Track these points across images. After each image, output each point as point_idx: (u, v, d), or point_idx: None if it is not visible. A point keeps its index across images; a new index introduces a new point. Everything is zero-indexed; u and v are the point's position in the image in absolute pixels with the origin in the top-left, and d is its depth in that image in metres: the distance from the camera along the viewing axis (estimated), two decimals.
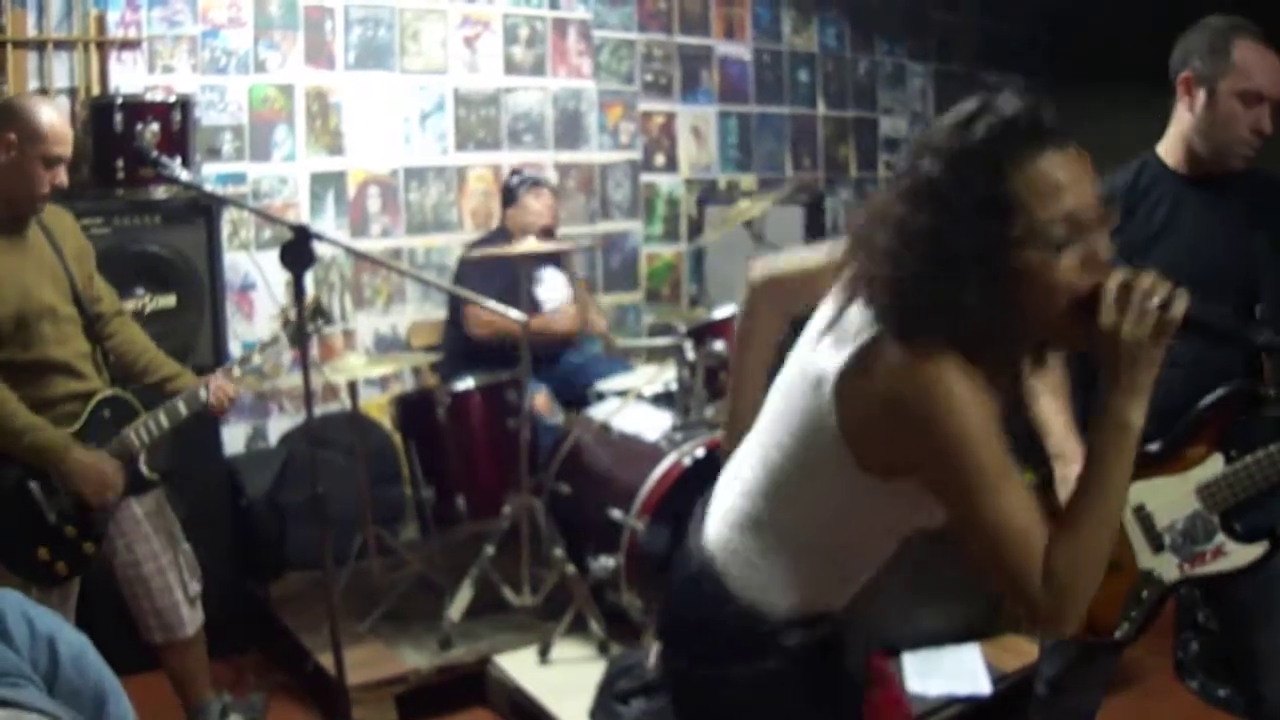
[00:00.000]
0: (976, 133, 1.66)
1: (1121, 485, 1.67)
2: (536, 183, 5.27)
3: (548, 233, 5.13)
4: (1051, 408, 2.95)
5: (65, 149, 3.23)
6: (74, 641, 1.30)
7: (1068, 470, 2.89)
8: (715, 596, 1.96)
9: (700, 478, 4.19)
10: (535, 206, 5.20)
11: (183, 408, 3.47)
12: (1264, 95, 2.73)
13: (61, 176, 3.24)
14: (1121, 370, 1.64)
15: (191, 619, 3.57)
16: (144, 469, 3.47)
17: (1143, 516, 2.87)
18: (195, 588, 3.59)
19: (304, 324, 3.11)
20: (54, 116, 3.22)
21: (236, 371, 3.61)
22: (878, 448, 1.72)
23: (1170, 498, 2.84)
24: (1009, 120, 1.67)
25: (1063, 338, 1.72)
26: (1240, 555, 2.80)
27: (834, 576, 1.96)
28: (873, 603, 2.11)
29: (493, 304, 4.08)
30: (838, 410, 1.73)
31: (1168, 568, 2.87)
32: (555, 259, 5.42)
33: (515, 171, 5.40)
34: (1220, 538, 2.81)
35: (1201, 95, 2.80)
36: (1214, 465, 2.80)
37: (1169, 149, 2.91)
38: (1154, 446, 2.87)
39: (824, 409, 1.75)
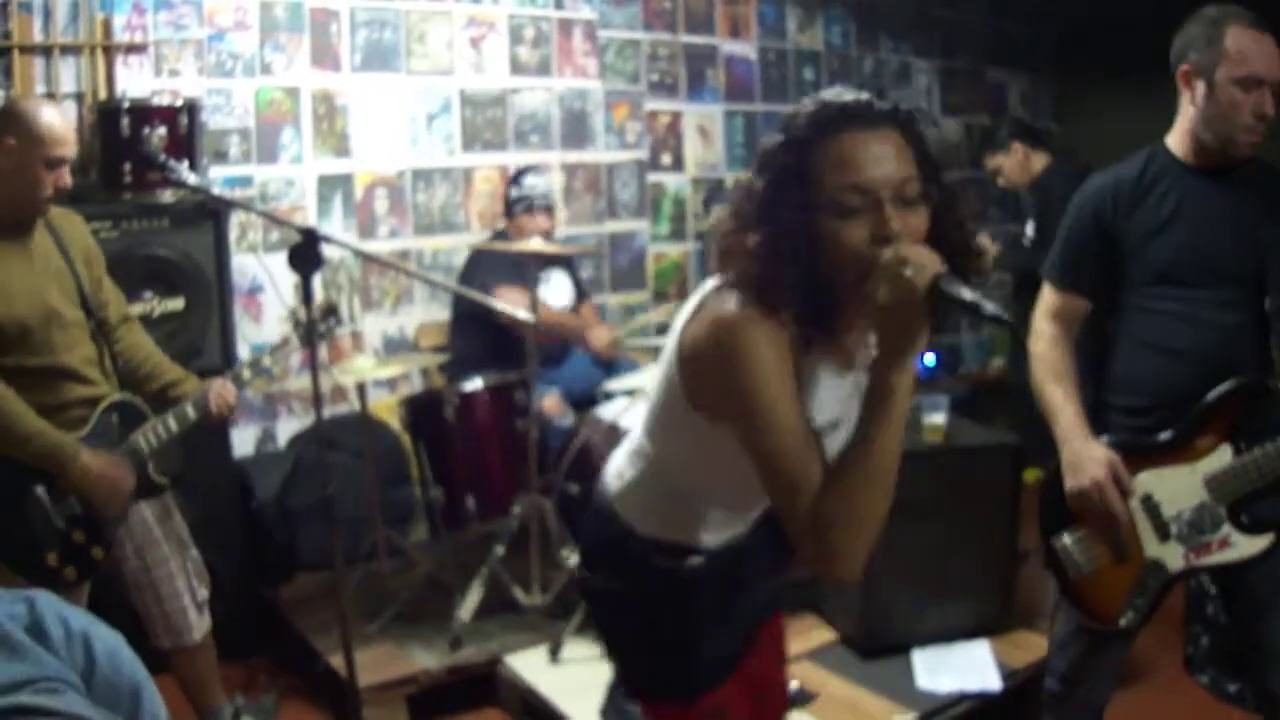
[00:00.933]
0: (799, 116, 1.89)
1: (887, 446, 1.77)
2: (531, 207, 5.24)
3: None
4: (1060, 395, 2.96)
5: (67, 150, 3.21)
6: (108, 638, 1.31)
7: (1067, 455, 2.92)
8: (607, 518, 2.25)
9: None
10: (529, 228, 5.18)
11: (191, 412, 3.47)
12: (1262, 79, 2.74)
13: (65, 178, 3.22)
14: (881, 336, 1.75)
15: (199, 624, 3.57)
16: (153, 473, 3.47)
17: (1150, 505, 2.88)
18: (203, 593, 3.59)
19: (313, 325, 3.11)
20: (54, 118, 3.21)
21: (246, 374, 3.61)
22: (701, 388, 1.95)
23: (1178, 488, 2.85)
24: (824, 104, 1.87)
25: (859, 305, 1.79)
26: (1246, 546, 2.81)
27: (687, 512, 2.16)
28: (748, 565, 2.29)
29: (500, 305, 4.09)
30: (677, 352, 1.98)
31: (1173, 557, 2.88)
32: (561, 262, 5.43)
33: (516, 179, 5.35)
34: (1226, 529, 2.82)
35: (1201, 86, 2.81)
36: (1222, 456, 2.81)
37: (1177, 141, 2.92)
38: (1164, 436, 2.88)
39: (672, 351, 2.01)
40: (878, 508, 1.80)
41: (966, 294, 1.67)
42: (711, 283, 1.97)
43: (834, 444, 1.92)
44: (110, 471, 3.28)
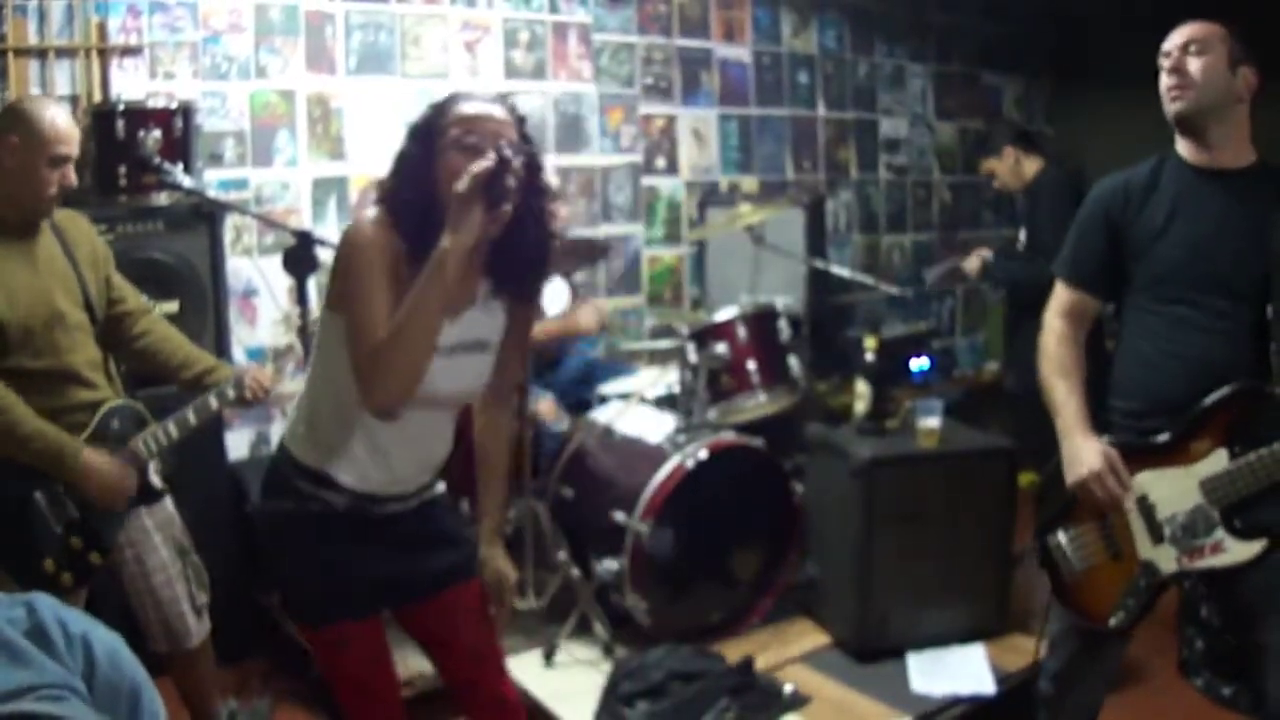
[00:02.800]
0: (443, 97, 2.53)
1: (428, 295, 2.27)
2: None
3: None
4: (1064, 390, 2.99)
5: (70, 148, 3.20)
6: (107, 639, 1.30)
7: (1067, 449, 2.93)
8: (278, 449, 2.66)
9: (703, 480, 4.21)
10: None
11: (193, 418, 3.45)
12: (1168, 52, 2.88)
13: (70, 176, 3.22)
14: (449, 218, 2.29)
15: (198, 630, 3.56)
16: (154, 479, 3.47)
17: (1145, 507, 2.90)
18: (203, 599, 3.58)
19: (307, 328, 3.11)
20: (57, 116, 3.20)
21: (269, 369, 3.59)
22: (332, 281, 2.44)
23: (1173, 490, 2.87)
24: (462, 91, 2.54)
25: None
26: (1238, 552, 2.82)
27: (326, 431, 2.54)
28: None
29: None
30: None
31: (1166, 560, 2.89)
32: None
33: None
34: (1220, 533, 2.83)
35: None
36: (1218, 460, 2.82)
37: (1184, 145, 2.94)
38: (1161, 438, 2.88)
39: None
40: (416, 345, 2.28)
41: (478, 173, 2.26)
42: None
43: (452, 365, 2.48)
44: (113, 469, 3.27)
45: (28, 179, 3.16)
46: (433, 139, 2.43)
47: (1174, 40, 2.86)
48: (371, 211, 2.44)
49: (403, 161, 2.50)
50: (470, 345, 2.54)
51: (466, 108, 2.43)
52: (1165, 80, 2.85)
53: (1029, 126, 8.42)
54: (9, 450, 3.13)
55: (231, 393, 3.47)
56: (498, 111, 2.44)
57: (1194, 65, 2.81)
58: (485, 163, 2.27)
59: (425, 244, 2.31)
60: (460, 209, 2.27)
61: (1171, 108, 2.86)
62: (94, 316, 3.38)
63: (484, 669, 2.88)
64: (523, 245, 2.48)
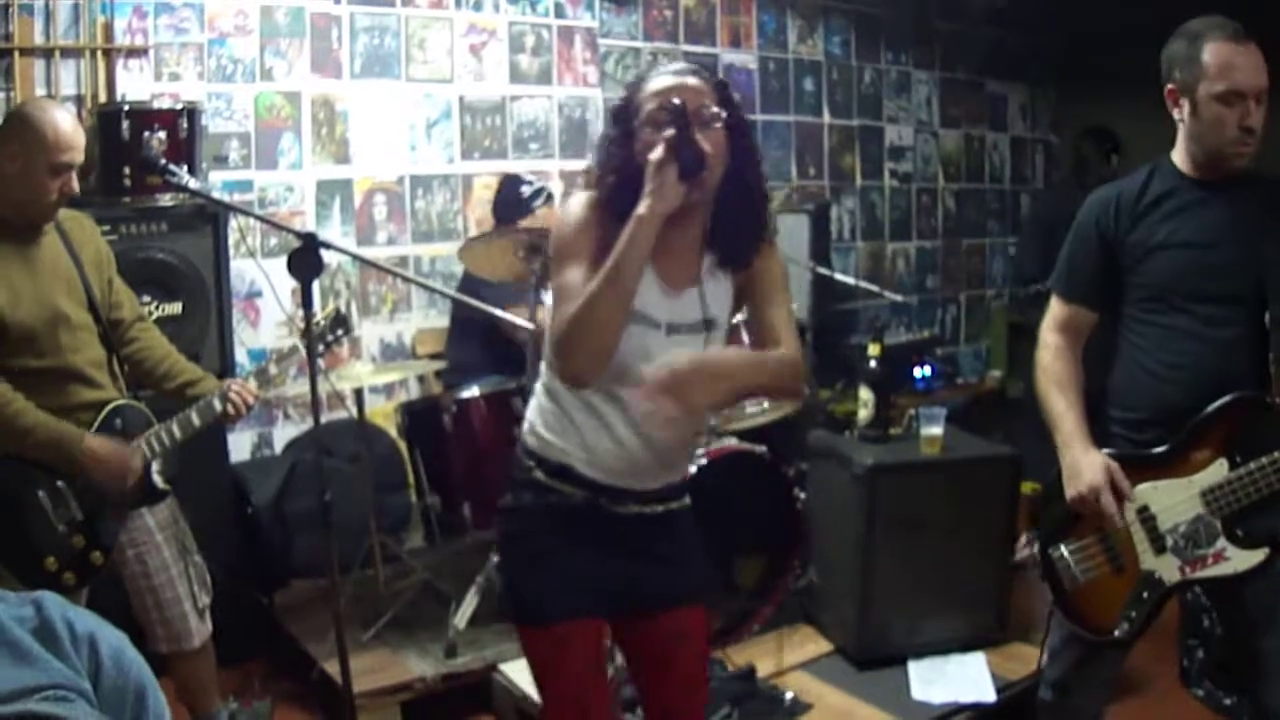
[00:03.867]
0: (632, 82, 2.50)
1: (622, 263, 2.24)
2: (550, 196, 5.25)
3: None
4: (1062, 404, 2.98)
5: (74, 156, 3.19)
6: (112, 639, 1.30)
7: (1067, 463, 2.93)
8: (519, 440, 2.63)
9: (706, 486, 4.20)
10: (557, 215, 5.20)
11: (196, 418, 3.45)
12: (1243, 92, 2.73)
13: (72, 184, 3.20)
14: (646, 182, 2.27)
15: (199, 630, 3.56)
16: (157, 478, 3.46)
17: (1146, 518, 2.89)
18: (205, 599, 3.58)
19: (312, 330, 3.10)
20: (62, 122, 3.18)
21: (252, 383, 3.60)
22: (549, 264, 2.52)
23: (1174, 501, 2.86)
24: (654, 66, 2.53)
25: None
26: (1241, 560, 2.82)
27: (560, 414, 2.50)
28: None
29: (501, 313, 4.08)
30: None
31: (1169, 570, 2.88)
32: None
33: (520, 180, 5.34)
34: (1222, 542, 2.83)
35: (1186, 105, 2.82)
36: (1219, 470, 2.82)
37: (1178, 155, 2.94)
38: (1161, 449, 2.88)
39: None
40: (611, 308, 2.25)
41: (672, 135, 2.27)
42: None
43: (651, 342, 2.41)
44: (116, 452, 3.27)
45: (29, 185, 3.14)
46: (630, 118, 2.41)
47: (1246, 83, 2.75)
48: (580, 194, 2.46)
49: (604, 144, 2.49)
50: (694, 325, 2.47)
51: (658, 82, 2.39)
52: (1234, 133, 2.76)
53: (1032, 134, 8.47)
54: (12, 444, 3.14)
55: (217, 405, 3.47)
56: (691, 80, 2.39)
57: (1258, 119, 2.76)
58: (671, 130, 2.27)
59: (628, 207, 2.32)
60: (655, 177, 2.25)
61: (1236, 164, 2.81)
62: (98, 316, 3.38)
63: (692, 701, 2.75)
64: (737, 210, 2.45)
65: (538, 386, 2.58)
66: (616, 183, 2.38)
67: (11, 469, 3.17)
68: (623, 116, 2.43)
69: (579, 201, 2.43)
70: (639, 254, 2.25)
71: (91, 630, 1.28)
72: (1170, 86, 2.86)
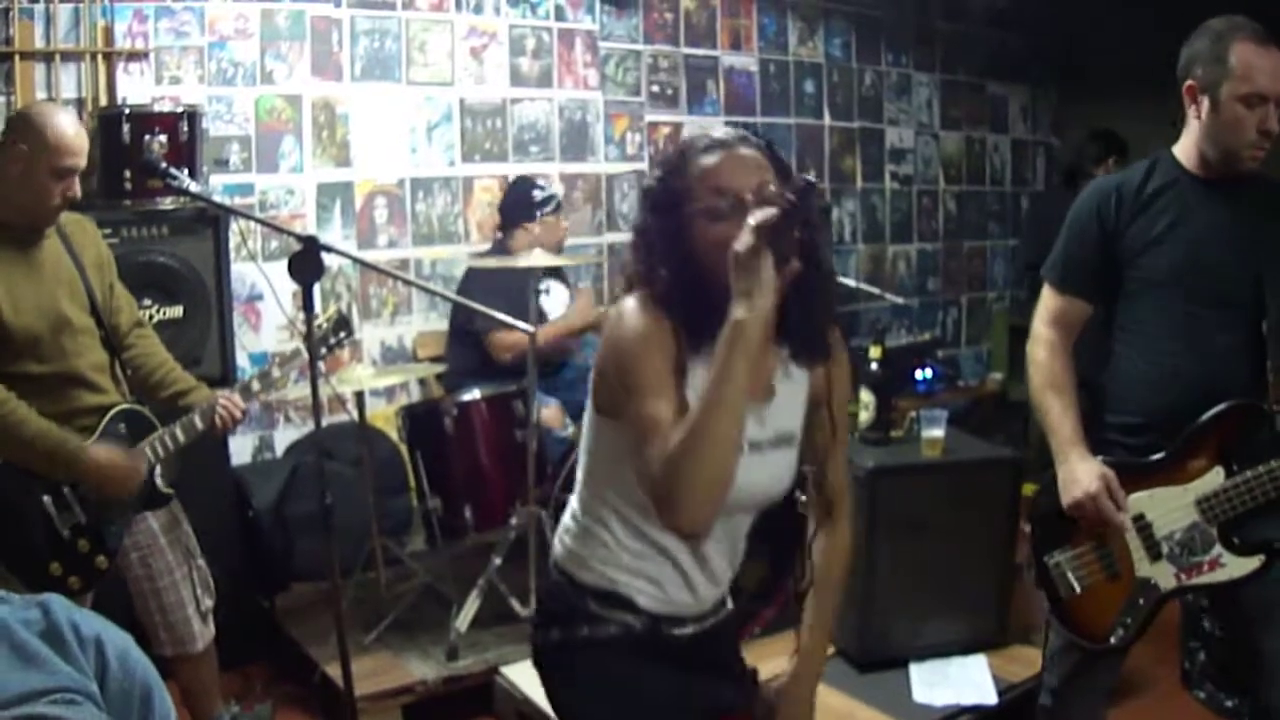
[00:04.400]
0: (669, 155, 2.16)
1: (728, 382, 1.86)
2: (559, 208, 5.26)
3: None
4: (1058, 408, 2.96)
5: (77, 160, 3.19)
6: (118, 641, 1.31)
7: (1063, 470, 2.92)
8: (548, 570, 2.35)
9: None
10: (563, 225, 5.22)
11: (199, 422, 3.45)
12: (1266, 95, 2.73)
13: (74, 189, 3.20)
14: (732, 277, 1.87)
15: (203, 633, 3.56)
16: (159, 483, 3.47)
17: (1142, 526, 2.89)
18: (208, 602, 3.58)
19: (313, 333, 3.10)
20: (66, 127, 3.18)
21: (256, 385, 3.59)
22: (599, 379, 2.13)
23: (1170, 508, 2.86)
24: (684, 144, 2.14)
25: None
26: (1237, 567, 2.82)
27: (612, 546, 2.20)
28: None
29: (505, 318, 4.08)
30: (593, 369, 2.18)
31: (1164, 577, 2.88)
32: (559, 273, 5.43)
33: (533, 184, 5.33)
34: (1218, 549, 2.83)
35: (1206, 103, 2.80)
36: (1215, 478, 2.81)
37: (1183, 151, 2.92)
38: (1157, 456, 2.88)
39: None
40: (726, 438, 1.88)
41: (775, 213, 1.87)
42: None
43: (757, 462, 2.12)
44: (119, 458, 3.27)
45: (32, 188, 3.15)
46: (676, 205, 2.06)
47: (1270, 86, 2.73)
48: (630, 299, 2.07)
49: (645, 236, 2.13)
50: (777, 439, 2.19)
51: (707, 161, 2.05)
52: (1252, 136, 2.75)
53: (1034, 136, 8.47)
54: (14, 452, 3.14)
55: (200, 424, 3.46)
56: (745, 152, 2.06)
57: (1275, 123, 2.75)
58: (767, 213, 1.87)
59: (703, 325, 1.99)
60: (747, 273, 1.86)
61: (1248, 166, 2.81)
62: (100, 321, 3.38)
63: None
64: (809, 291, 2.07)
65: (580, 513, 2.26)
66: (673, 283, 2.03)
67: (15, 474, 3.17)
68: (665, 204, 2.09)
69: (634, 313, 2.04)
70: (746, 366, 1.87)
71: (97, 632, 1.29)
72: (1190, 83, 2.83)
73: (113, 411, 3.36)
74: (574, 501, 2.28)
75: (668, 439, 1.88)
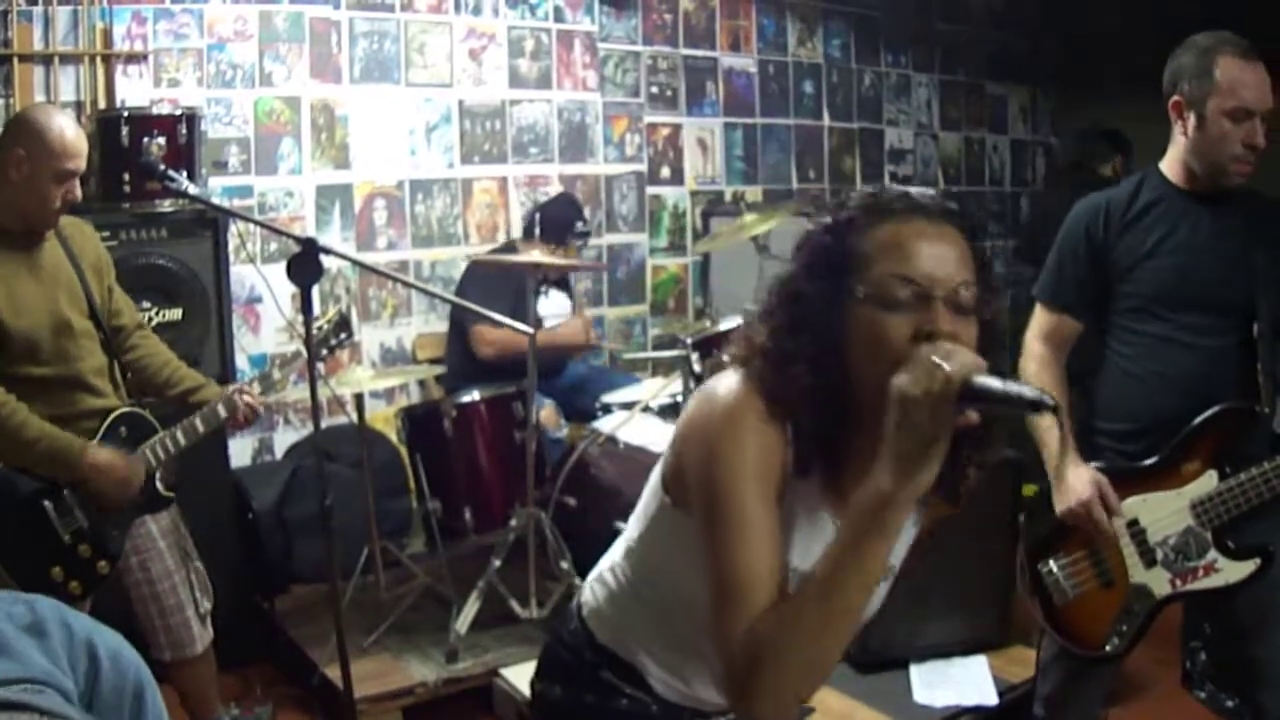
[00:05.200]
0: (850, 198, 1.66)
1: (865, 558, 1.47)
2: (587, 241, 5.30)
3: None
4: (1048, 418, 2.95)
5: (77, 163, 3.19)
6: (110, 641, 1.32)
7: (1055, 474, 2.91)
8: (572, 622, 2.04)
9: None
10: (569, 256, 5.24)
11: (200, 425, 3.44)
12: (1252, 110, 2.74)
13: (75, 191, 3.20)
14: (893, 438, 1.44)
15: (201, 636, 3.56)
16: (160, 486, 3.46)
17: (1136, 532, 2.89)
18: (206, 605, 3.58)
19: (311, 335, 3.10)
20: (66, 130, 3.18)
21: (256, 388, 3.60)
22: (678, 467, 1.71)
23: (1164, 513, 2.86)
24: (875, 193, 1.65)
25: (873, 438, 1.49)
26: (1232, 571, 2.82)
27: (644, 628, 1.91)
28: None
29: (499, 317, 4.08)
30: (672, 442, 1.76)
31: (1159, 583, 2.88)
32: (565, 283, 5.45)
33: (579, 211, 5.36)
34: (1213, 554, 2.83)
35: (1192, 118, 2.81)
36: (1208, 482, 2.82)
37: (1170, 166, 2.93)
38: (1149, 461, 2.88)
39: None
40: (829, 642, 1.50)
41: (999, 385, 1.42)
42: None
43: None
44: (119, 464, 3.27)
45: (33, 192, 3.15)
46: (843, 273, 1.58)
47: (1256, 101, 2.75)
48: (738, 381, 1.63)
49: (793, 308, 1.63)
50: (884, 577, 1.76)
51: (917, 243, 1.56)
52: (1237, 150, 2.76)
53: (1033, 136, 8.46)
54: (15, 455, 3.14)
55: (222, 411, 3.47)
56: (950, 240, 1.58)
57: (1261, 138, 2.76)
58: (983, 380, 1.43)
59: (823, 439, 1.61)
60: (915, 431, 1.42)
61: (1234, 181, 2.82)
62: (99, 323, 3.38)
63: None
64: (974, 440, 1.64)
65: (624, 580, 1.93)
66: (811, 380, 1.57)
67: (16, 479, 3.17)
68: (829, 268, 1.60)
69: (742, 407, 1.60)
70: (884, 550, 1.49)
71: (89, 632, 1.29)
72: (1176, 98, 2.84)
73: (113, 415, 3.35)
74: (618, 558, 1.97)
75: (758, 609, 1.51)
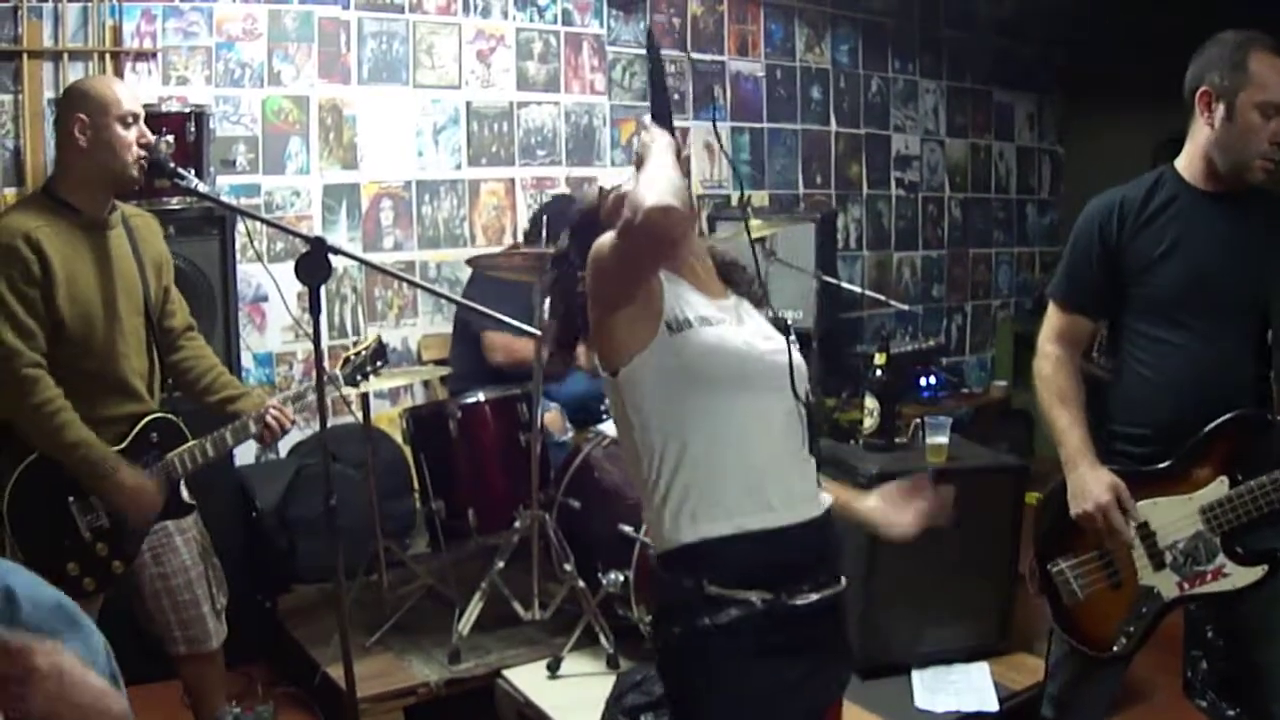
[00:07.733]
0: None
1: (660, 158, 2.19)
2: None
3: None
4: (1066, 419, 2.96)
5: (136, 106, 3.24)
6: (25, 579, 1.39)
7: (1073, 480, 2.91)
8: (655, 570, 2.27)
9: None
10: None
11: (230, 438, 3.45)
12: None
13: (147, 134, 3.26)
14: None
15: (217, 631, 3.56)
16: (184, 494, 3.47)
17: (1146, 534, 2.89)
18: (222, 601, 3.59)
19: (319, 336, 3.09)
20: (114, 81, 3.28)
21: (290, 409, 3.59)
22: (598, 338, 2.22)
23: (1174, 517, 2.86)
24: None
25: None
26: (1240, 577, 2.82)
27: (700, 504, 2.13)
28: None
29: (504, 318, 4.08)
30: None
31: (1167, 585, 2.88)
32: None
33: (574, 204, 5.33)
34: (1221, 559, 2.83)
35: (1221, 109, 2.79)
36: (1219, 488, 2.82)
37: (1187, 164, 2.91)
38: (1161, 465, 2.88)
39: None
40: (660, 173, 2.11)
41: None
42: None
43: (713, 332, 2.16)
44: (144, 491, 3.28)
45: (107, 146, 3.18)
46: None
47: None
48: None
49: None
50: (748, 311, 2.34)
51: None
52: (1263, 146, 2.77)
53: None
54: (51, 450, 3.15)
55: (253, 428, 3.48)
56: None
57: None
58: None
59: None
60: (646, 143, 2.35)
61: (1256, 177, 2.82)
62: (150, 323, 3.39)
63: None
64: None
65: (660, 491, 2.17)
66: None
67: (47, 473, 3.18)
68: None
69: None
70: (668, 161, 2.23)
71: (6, 581, 1.36)
72: (1204, 89, 2.83)
73: (145, 420, 3.36)
74: (642, 478, 2.20)
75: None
